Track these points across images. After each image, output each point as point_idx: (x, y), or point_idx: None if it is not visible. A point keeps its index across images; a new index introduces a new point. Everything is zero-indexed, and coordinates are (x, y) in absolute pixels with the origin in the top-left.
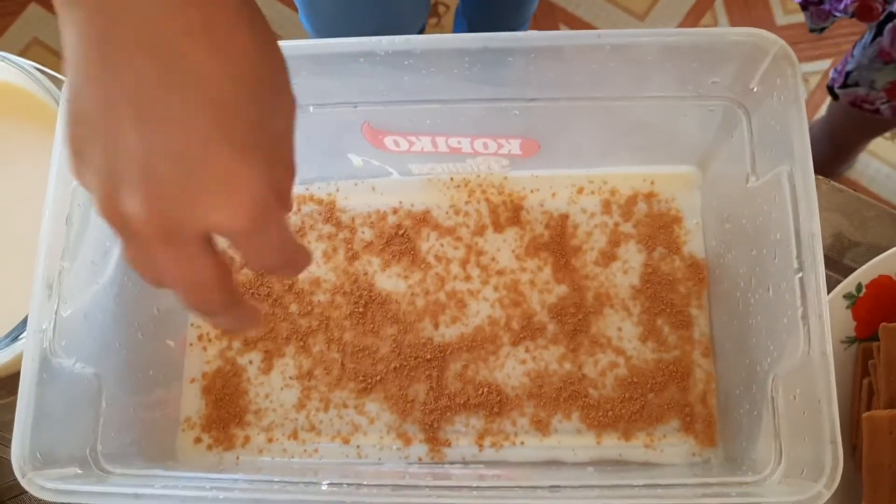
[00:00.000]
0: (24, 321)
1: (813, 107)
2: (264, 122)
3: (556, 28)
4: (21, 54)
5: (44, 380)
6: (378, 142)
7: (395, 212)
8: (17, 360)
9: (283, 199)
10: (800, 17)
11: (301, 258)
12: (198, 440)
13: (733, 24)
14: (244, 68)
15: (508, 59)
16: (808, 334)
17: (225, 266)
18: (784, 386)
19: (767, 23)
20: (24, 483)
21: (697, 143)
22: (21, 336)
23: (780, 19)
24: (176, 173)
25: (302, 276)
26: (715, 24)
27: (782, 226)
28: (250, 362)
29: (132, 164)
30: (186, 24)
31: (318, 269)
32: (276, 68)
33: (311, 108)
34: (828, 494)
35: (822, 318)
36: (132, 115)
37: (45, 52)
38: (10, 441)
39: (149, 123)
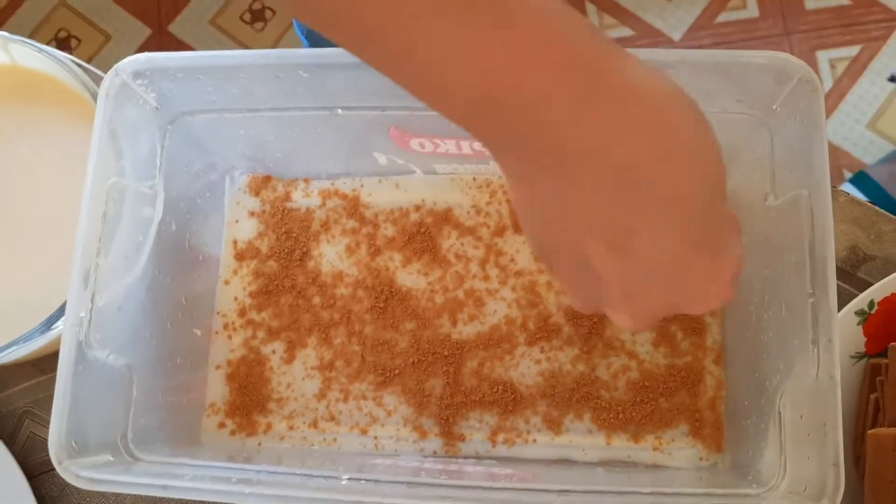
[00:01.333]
0: (59, 310)
1: (839, 94)
2: (724, 205)
3: (584, 8)
4: (48, 16)
5: (79, 371)
6: (404, 143)
7: (417, 209)
8: (51, 345)
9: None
10: (829, 3)
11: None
12: (221, 425)
13: (762, 8)
14: (702, 169)
15: None
16: (817, 358)
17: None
18: (791, 404)
19: (797, 8)
20: (59, 471)
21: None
22: (55, 325)
23: (810, 3)
24: (658, 291)
25: (325, 269)
26: (744, 6)
27: (798, 249)
28: (273, 352)
29: (616, 288)
30: (652, 151)
31: (341, 262)
32: (715, 142)
33: (340, 111)
34: None
35: (832, 344)
36: (607, 246)
37: (72, 15)
38: (41, 418)
39: (625, 252)
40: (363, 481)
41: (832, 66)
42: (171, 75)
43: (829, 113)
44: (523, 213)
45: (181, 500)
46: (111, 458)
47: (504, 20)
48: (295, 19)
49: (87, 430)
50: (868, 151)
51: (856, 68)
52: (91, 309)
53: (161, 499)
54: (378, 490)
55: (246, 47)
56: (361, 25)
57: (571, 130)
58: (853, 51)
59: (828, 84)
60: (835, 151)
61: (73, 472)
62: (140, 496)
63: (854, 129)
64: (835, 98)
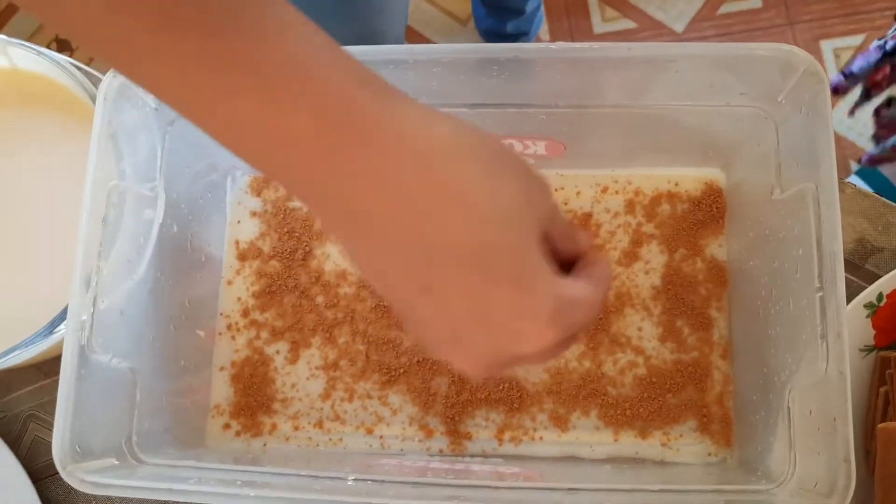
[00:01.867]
0: (61, 314)
1: None
2: (525, 241)
3: (586, 1)
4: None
5: (82, 375)
6: None
7: None
8: (54, 348)
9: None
10: None
11: (607, 284)
12: (226, 426)
13: None
14: (483, 206)
15: (537, 68)
16: (826, 353)
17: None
18: (800, 399)
19: (798, 0)
20: (64, 476)
21: (723, 148)
22: (57, 329)
23: None
24: (478, 332)
25: (328, 268)
26: None
27: (805, 242)
28: (277, 352)
29: (439, 334)
30: (429, 196)
31: (344, 261)
32: (514, 178)
33: None
34: None
35: (841, 338)
36: (417, 292)
37: None
38: (45, 421)
39: (433, 297)
40: (369, 482)
41: (836, 56)
42: None
43: (833, 102)
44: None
45: (182, 503)
46: (116, 462)
47: (261, 82)
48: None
49: (91, 434)
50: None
51: None
52: (93, 313)
53: (164, 502)
54: (384, 491)
55: None
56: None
57: (333, 189)
58: (857, 40)
59: (832, 74)
60: (840, 141)
61: (78, 476)
62: (145, 500)
63: (859, 119)
64: None
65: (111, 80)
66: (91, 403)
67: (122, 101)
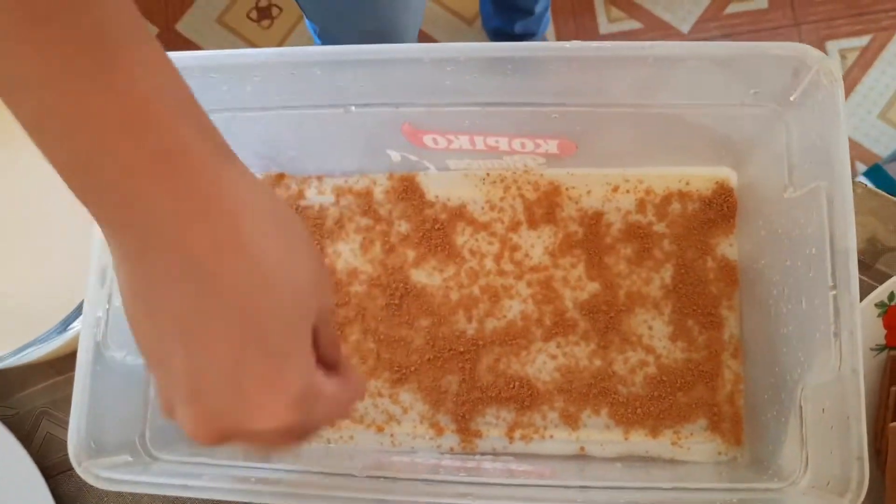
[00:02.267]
0: (76, 311)
1: (850, 84)
2: (299, 323)
3: (591, 1)
4: None
5: (97, 372)
6: (417, 140)
7: (431, 206)
8: (67, 345)
9: (332, 367)
10: None
11: (356, 396)
12: None
13: None
14: (277, 273)
15: (550, 67)
16: (839, 351)
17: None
18: (813, 398)
19: (805, 1)
20: (79, 472)
21: (735, 147)
22: (71, 325)
23: None
24: (221, 391)
25: (339, 266)
26: None
27: (818, 241)
28: None
29: (182, 381)
30: (214, 241)
31: (356, 260)
32: (309, 266)
33: (353, 108)
34: None
35: (855, 336)
36: (177, 334)
37: None
38: (58, 418)
39: (191, 343)
40: (381, 479)
41: (843, 57)
42: (185, 74)
43: None
44: (122, 290)
45: (196, 499)
46: (130, 458)
47: (106, 84)
48: (307, 18)
49: (106, 430)
50: (879, 142)
51: (866, 58)
52: (108, 309)
53: (177, 498)
54: (397, 488)
55: (253, 45)
56: None
57: (144, 216)
58: (864, 41)
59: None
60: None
61: (93, 472)
62: (157, 496)
63: (865, 120)
64: (845, 88)
65: None
66: (106, 400)
67: None
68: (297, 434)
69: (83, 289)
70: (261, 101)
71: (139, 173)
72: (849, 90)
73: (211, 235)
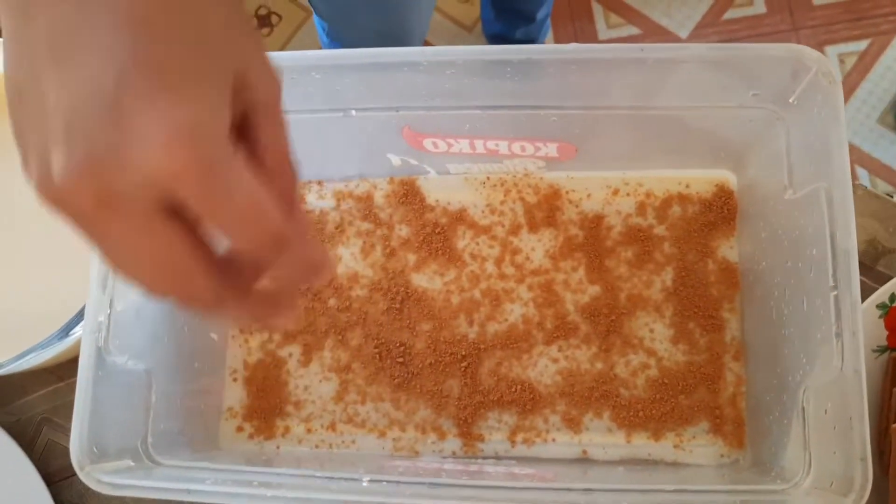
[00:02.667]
0: (77, 316)
1: (848, 88)
2: (209, 58)
3: (590, 8)
4: None
5: (99, 377)
6: (417, 143)
7: (431, 210)
8: (69, 351)
9: (251, 129)
10: None
11: (309, 246)
12: (240, 429)
13: (769, 4)
14: None
15: (550, 70)
16: (841, 351)
17: (203, 245)
18: (815, 399)
19: (804, 3)
20: (82, 476)
21: (735, 149)
22: (73, 331)
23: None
24: (98, 118)
25: (340, 271)
26: (751, 3)
27: (818, 242)
28: (290, 355)
29: (56, 117)
30: None
31: (356, 264)
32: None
33: (354, 112)
34: None
35: (857, 336)
36: (49, 58)
37: None
38: (59, 425)
39: (65, 63)
40: (384, 482)
41: (841, 61)
42: None
43: None
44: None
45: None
46: (132, 464)
47: None
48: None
49: (108, 435)
50: (878, 146)
51: (865, 63)
52: (110, 314)
53: (180, 502)
54: (400, 491)
55: None
56: None
57: None
58: (862, 45)
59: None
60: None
61: (96, 477)
62: (159, 501)
63: (864, 124)
64: (844, 93)
65: None
66: (108, 405)
67: None
68: (205, 256)
69: (84, 294)
70: None
71: None
72: (848, 95)
73: None
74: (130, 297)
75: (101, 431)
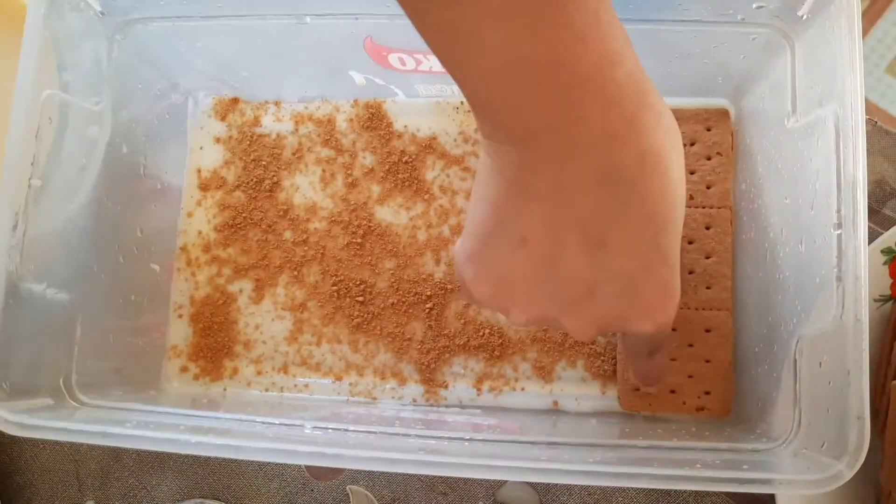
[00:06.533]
0: None
1: (875, 13)
2: (679, 242)
3: None
4: None
5: (10, 305)
6: (381, 59)
7: (399, 136)
8: None
9: None
10: None
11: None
12: (184, 369)
13: None
14: (678, 188)
15: None
16: (841, 297)
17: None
18: (809, 350)
19: None
20: None
21: (732, 75)
22: None
23: None
24: (618, 294)
25: (297, 201)
26: None
27: (823, 175)
28: (241, 291)
29: (579, 286)
30: (639, 153)
31: (315, 194)
32: (683, 188)
33: (309, 19)
34: (849, 475)
35: (860, 281)
36: (580, 239)
37: None
38: None
39: (596, 248)
40: (330, 430)
41: None
42: None
43: None
44: (493, 200)
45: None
46: (51, 402)
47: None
48: None
49: (21, 370)
50: (886, 96)
51: (874, 11)
52: (25, 234)
53: (122, 450)
54: (344, 440)
55: None
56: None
57: (593, 120)
58: None
59: None
60: None
61: (2, 416)
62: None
63: (872, 74)
64: (871, 18)
65: None
66: (22, 336)
67: (62, 2)
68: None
69: None
70: (204, 8)
71: (579, 85)
72: (873, 20)
73: (637, 147)
74: (51, 220)
75: (14, 367)
